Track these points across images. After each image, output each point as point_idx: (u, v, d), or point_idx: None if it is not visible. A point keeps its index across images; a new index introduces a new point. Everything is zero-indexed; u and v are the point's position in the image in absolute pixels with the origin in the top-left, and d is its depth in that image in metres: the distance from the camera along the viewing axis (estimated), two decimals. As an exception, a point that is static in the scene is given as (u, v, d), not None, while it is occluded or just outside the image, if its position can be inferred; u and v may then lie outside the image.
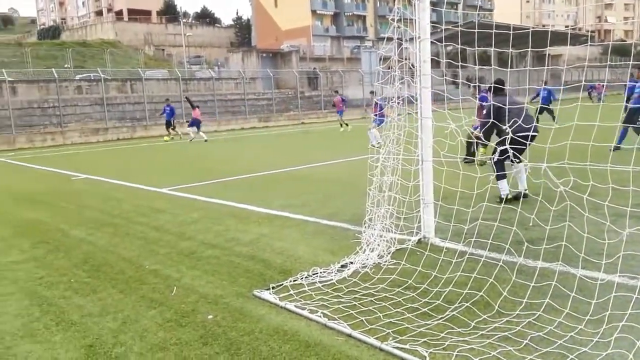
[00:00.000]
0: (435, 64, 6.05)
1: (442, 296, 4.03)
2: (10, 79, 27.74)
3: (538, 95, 20.40)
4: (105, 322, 3.89)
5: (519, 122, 5.70)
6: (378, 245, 5.14)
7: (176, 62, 56.36)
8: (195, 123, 22.84)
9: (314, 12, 68.66)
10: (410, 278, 4.43)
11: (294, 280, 4.49)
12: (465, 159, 9.65)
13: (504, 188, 6.88)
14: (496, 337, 3.37)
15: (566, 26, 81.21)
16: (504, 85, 7.26)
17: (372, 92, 17.83)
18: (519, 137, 5.75)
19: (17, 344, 3.61)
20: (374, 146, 13.53)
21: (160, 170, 13.61)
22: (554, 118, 17.34)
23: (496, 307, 3.80)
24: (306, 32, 66.91)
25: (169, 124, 24.33)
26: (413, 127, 5.53)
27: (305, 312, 3.82)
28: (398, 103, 5.53)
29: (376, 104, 15.17)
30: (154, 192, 9.75)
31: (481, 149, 8.00)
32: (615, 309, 3.52)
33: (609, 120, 4.86)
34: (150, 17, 76.58)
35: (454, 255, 4.72)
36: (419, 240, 5.50)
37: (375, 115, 15.71)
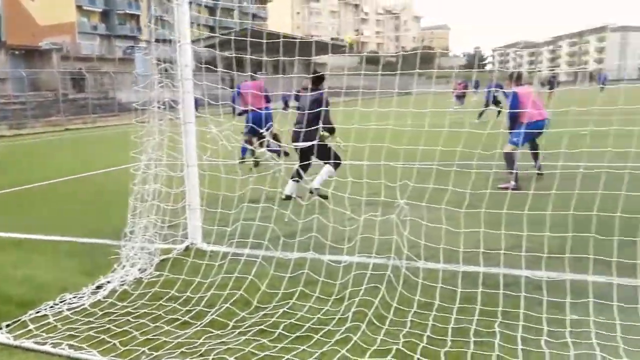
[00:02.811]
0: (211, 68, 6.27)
1: (204, 301, 4.00)
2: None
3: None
4: None
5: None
6: (139, 258, 4.85)
7: None
8: None
9: (79, 7, 62.58)
10: (172, 288, 4.28)
11: (37, 313, 3.92)
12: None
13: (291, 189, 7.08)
14: (252, 332, 3.49)
15: (332, 38, 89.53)
16: (323, 80, 7.62)
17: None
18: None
19: None
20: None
21: None
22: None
23: (254, 302, 3.93)
24: (71, 29, 60.73)
25: None
26: (177, 132, 5.39)
27: (45, 347, 3.36)
28: (159, 107, 5.32)
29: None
30: None
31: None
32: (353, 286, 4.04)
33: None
34: None
35: (217, 257, 4.73)
36: (187, 247, 5.38)
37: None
